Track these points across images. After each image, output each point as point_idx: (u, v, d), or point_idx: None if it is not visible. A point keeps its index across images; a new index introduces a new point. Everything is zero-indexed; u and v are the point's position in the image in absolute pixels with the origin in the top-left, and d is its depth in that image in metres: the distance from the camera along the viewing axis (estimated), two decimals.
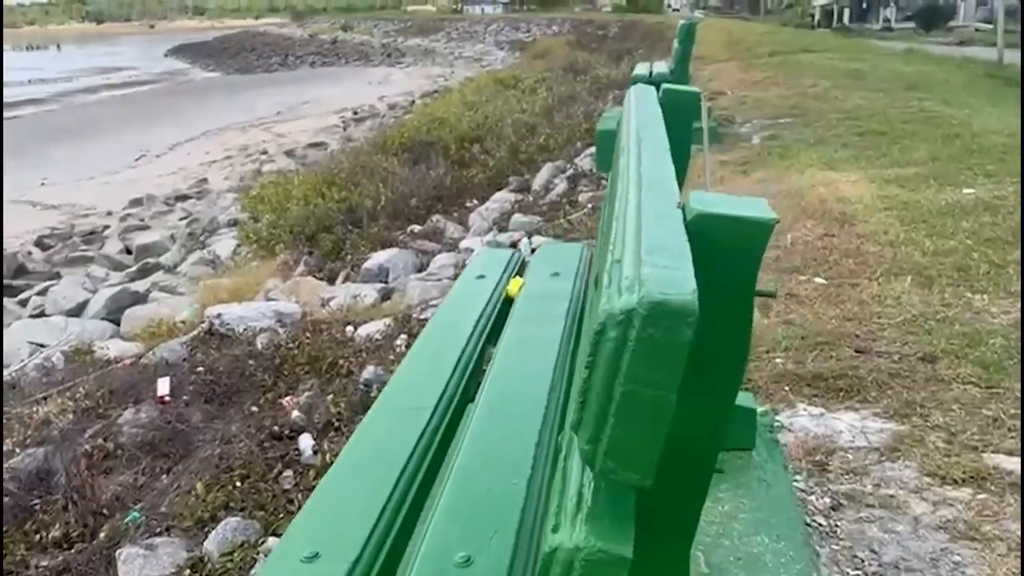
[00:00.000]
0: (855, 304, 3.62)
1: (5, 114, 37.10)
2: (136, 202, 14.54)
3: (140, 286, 8.69)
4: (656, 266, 0.69)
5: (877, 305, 3.58)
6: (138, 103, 38.36)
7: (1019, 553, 2.02)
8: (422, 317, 5.58)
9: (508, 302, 2.11)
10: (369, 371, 4.80)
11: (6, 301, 8.90)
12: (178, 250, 10.00)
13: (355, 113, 23.51)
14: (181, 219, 12.44)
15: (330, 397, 4.88)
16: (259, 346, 6.05)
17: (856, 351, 3.18)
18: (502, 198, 8.92)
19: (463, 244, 7.62)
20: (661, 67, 8.37)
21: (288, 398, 5.16)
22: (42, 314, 8.36)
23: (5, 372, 6.65)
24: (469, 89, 18.47)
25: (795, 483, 2.36)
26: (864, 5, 47.31)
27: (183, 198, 14.24)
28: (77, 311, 8.33)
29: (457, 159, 11.14)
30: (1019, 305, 3.43)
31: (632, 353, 0.64)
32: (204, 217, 11.77)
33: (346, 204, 9.47)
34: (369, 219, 9.13)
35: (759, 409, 2.46)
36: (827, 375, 2.99)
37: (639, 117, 1.63)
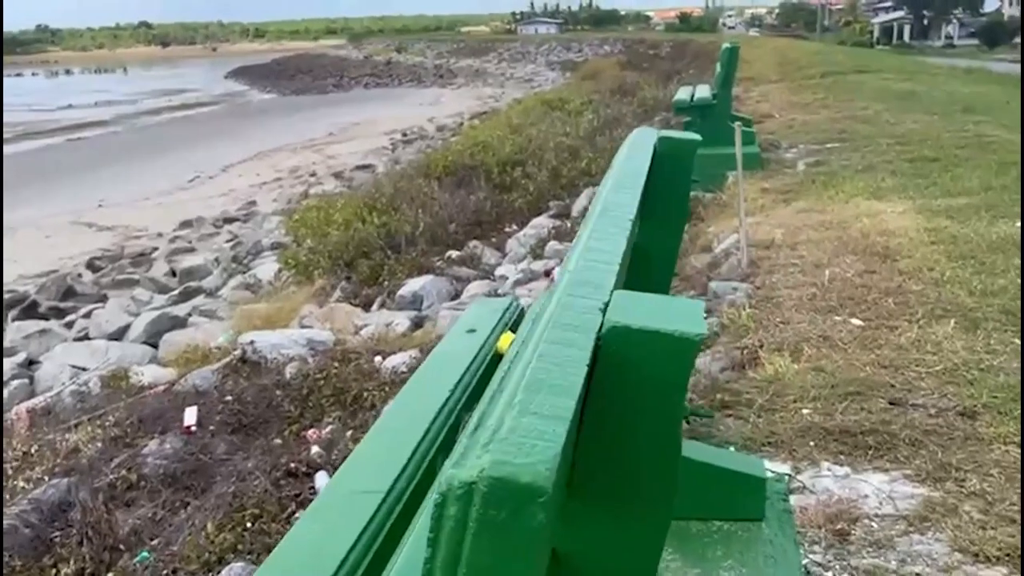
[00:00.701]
0: (892, 349, 3.40)
1: (73, 135, 38.40)
2: (186, 224, 14.80)
3: (180, 310, 8.77)
4: (526, 412, 0.57)
5: (916, 351, 3.36)
6: (197, 124, 39.38)
7: None
8: None
9: (498, 360, 1.98)
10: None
11: (54, 323, 9.07)
12: (219, 274, 10.10)
13: (404, 135, 23.68)
14: (227, 242, 12.60)
15: (349, 433, 4.81)
16: (288, 375, 6.02)
17: (890, 403, 2.98)
18: (540, 224, 8.81)
19: (498, 271, 7.52)
20: (704, 91, 8.19)
21: (312, 431, 5.10)
22: (86, 337, 8.49)
23: (42, 397, 6.74)
24: (516, 111, 18.47)
25: (812, 555, 2.18)
26: (926, 22, 46.27)
27: (231, 220, 14.44)
28: (119, 335, 8.44)
29: (499, 183, 11.08)
30: None
31: (474, 537, 0.51)
32: (248, 240, 11.90)
33: (385, 229, 9.44)
34: (407, 244, 9.10)
35: (771, 474, 2.29)
36: (856, 430, 2.79)
37: (618, 177, 1.51)
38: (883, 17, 47.69)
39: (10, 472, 4.89)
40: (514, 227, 9.47)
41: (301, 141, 27.08)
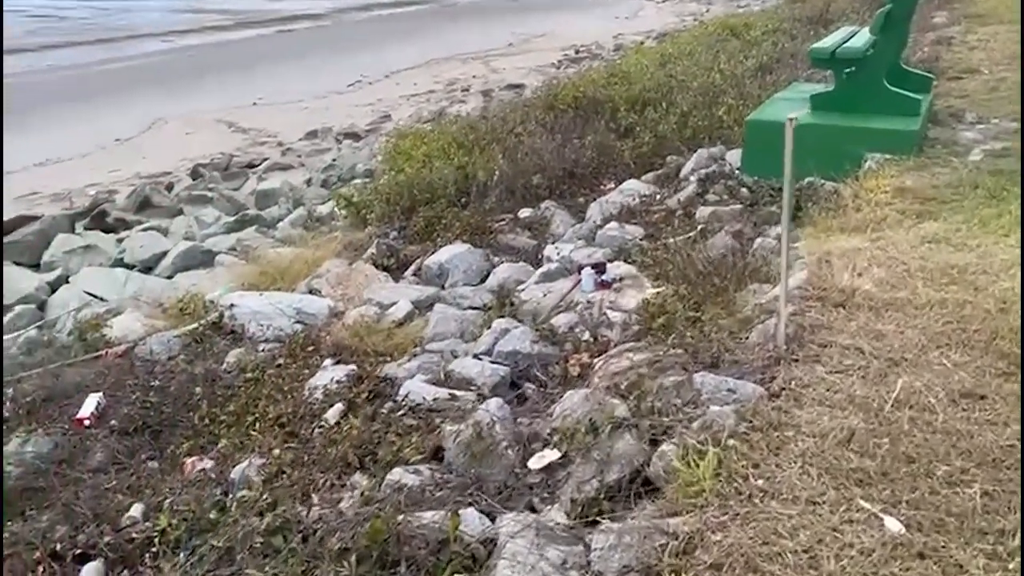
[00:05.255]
0: None
1: (284, 27, 39.42)
2: (311, 134, 14.12)
3: (222, 242, 7.94)
4: None
5: None
6: (394, 23, 39.05)
7: None
8: (397, 372, 4.11)
9: None
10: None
11: (105, 239, 8.55)
12: (284, 203, 9.18)
13: (576, 52, 21.88)
14: (334, 160, 11.72)
15: (239, 469, 3.61)
16: (229, 361, 4.92)
17: None
18: (632, 189, 7.08)
19: (547, 250, 5.97)
20: (863, 38, 6.05)
21: (192, 459, 3.98)
22: (121, 261, 7.86)
23: (14, 334, 6.08)
24: (689, 35, 16.23)
25: None
26: None
27: (352, 135, 13.58)
28: (153, 263, 7.74)
29: (617, 126, 9.32)
30: None
31: None
32: (345, 164, 10.93)
33: (463, 172, 8.07)
34: (479, 195, 7.70)
35: None
36: None
37: None
38: None
39: None
40: (611, 185, 7.79)
41: (477, 50, 25.82)
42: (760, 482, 2.21)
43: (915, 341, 2.87)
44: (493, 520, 2.34)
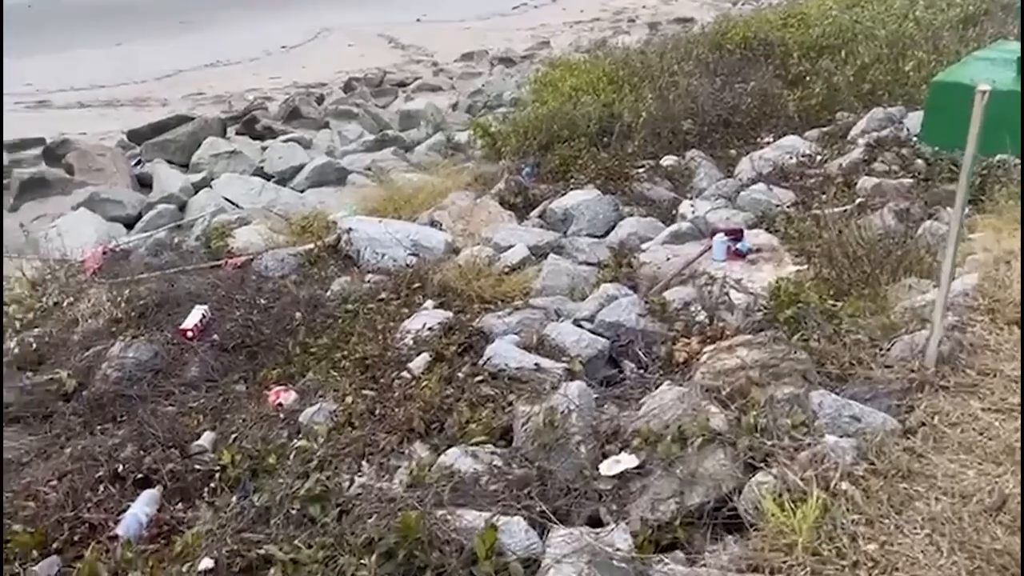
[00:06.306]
0: None
1: None
2: (467, 56, 13.86)
3: (359, 161, 7.85)
4: None
5: None
6: None
7: None
8: (495, 325, 3.82)
9: None
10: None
11: (251, 146, 8.67)
12: (425, 126, 8.97)
13: None
14: (483, 86, 11.41)
15: (315, 409, 3.47)
16: (334, 289, 4.79)
17: None
18: (790, 145, 6.41)
19: (683, 207, 5.47)
20: None
21: (277, 390, 3.87)
22: (260, 171, 7.93)
23: (135, 235, 6.21)
24: None
25: None
26: None
27: (506, 61, 13.20)
28: (289, 175, 7.77)
29: (785, 73, 8.54)
30: None
31: None
32: (493, 90, 10.59)
33: (608, 111, 7.59)
34: (622, 137, 7.23)
35: None
36: None
37: None
38: None
39: None
40: (768, 139, 7.12)
41: None
42: (871, 547, 1.78)
43: None
44: (543, 533, 2.02)
